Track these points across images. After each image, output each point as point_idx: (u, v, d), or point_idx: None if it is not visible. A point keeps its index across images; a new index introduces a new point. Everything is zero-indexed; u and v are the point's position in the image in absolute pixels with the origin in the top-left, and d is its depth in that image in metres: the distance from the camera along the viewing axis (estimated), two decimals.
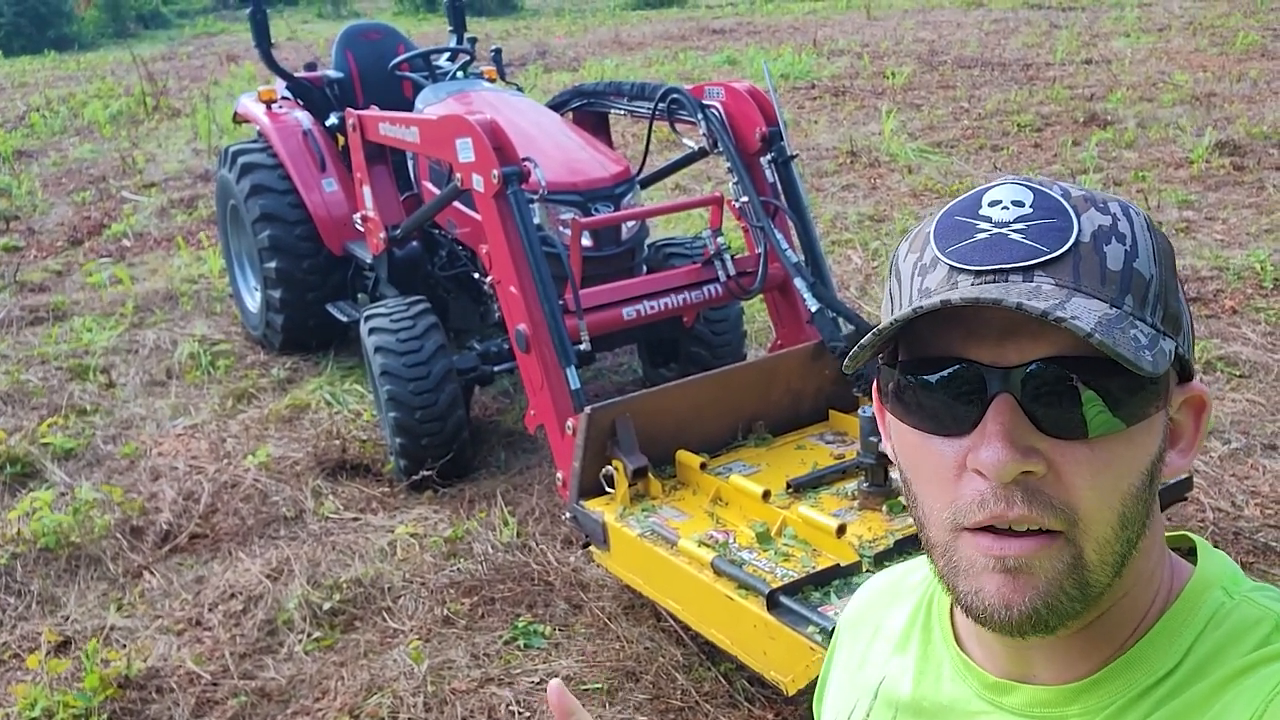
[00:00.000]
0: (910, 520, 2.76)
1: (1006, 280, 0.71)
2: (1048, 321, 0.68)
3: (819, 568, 2.57)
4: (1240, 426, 4.03)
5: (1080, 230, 0.72)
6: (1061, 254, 0.71)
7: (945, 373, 0.74)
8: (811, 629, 2.36)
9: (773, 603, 2.44)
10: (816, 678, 2.44)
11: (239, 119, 5.75)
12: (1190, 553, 0.84)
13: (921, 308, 0.71)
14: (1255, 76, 10.13)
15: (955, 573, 0.76)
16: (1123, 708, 0.76)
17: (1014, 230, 0.73)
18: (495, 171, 3.37)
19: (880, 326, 0.74)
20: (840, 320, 3.44)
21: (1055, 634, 0.75)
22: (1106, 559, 0.73)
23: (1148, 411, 0.73)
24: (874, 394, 0.86)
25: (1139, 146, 8.04)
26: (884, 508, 2.84)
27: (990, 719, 0.83)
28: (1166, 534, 0.84)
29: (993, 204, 0.75)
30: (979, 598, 0.74)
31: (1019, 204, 0.74)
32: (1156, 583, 0.80)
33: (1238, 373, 4.47)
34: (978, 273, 0.72)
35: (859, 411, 2.96)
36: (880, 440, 2.93)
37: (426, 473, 3.92)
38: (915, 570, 0.99)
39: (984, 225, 0.74)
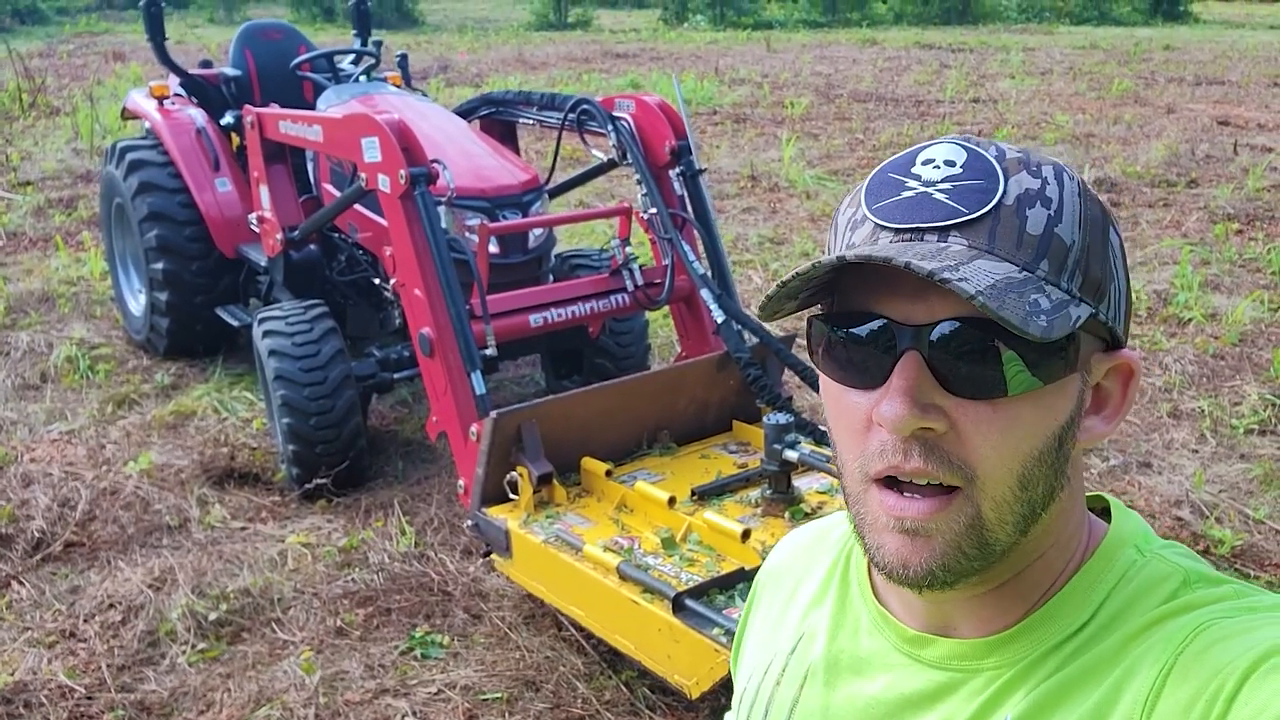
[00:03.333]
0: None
1: (922, 239, 0.72)
2: (933, 282, 0.68)
3: (723, 572, 2.58)
4: (1117, 445, 4.22)
5: (1005, 193, 0.72)
6: (979, 216, 0.71)
7: (860, 328, 0.75)
8: (716, 631, 2.36)
9: (678, 606, 2.44)
10: (719, 680, 2.44)
11: (128, 115, 5.53)
12: (1105, 512, 0.86)
13: (821, 263, 0.72)
14: (1129, 120, 10.72)
15: (863, 525, 0.78)
16: (1036, 660, 0.77)
17: (939, 190, 0.73)
18: (403, 172, 3.31)
19: (784, 278, 0.75)
20: (745, 332, 3.47)
21: (956, 590, 0.77)
22: (1005, 518, 0.74)
23: (1054, 375, 0.73)
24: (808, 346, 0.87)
25: None
26: (786, 514, 2.87)
27: (908, 671, 0.83)
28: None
29: (925, 162, 0.75)
30: (880, 553, 0.77)
31: (950, 163, 0.74)
32: (1075, 543, 0.81)
33: None
34: (897, 230, 0.73)
35: (764, 420, 2.99)
36: (784, 449, 2.96)
37: (321, 481, 3.79)
38: (836, 526, 0.99)
39: (912, 183, 0.74)
